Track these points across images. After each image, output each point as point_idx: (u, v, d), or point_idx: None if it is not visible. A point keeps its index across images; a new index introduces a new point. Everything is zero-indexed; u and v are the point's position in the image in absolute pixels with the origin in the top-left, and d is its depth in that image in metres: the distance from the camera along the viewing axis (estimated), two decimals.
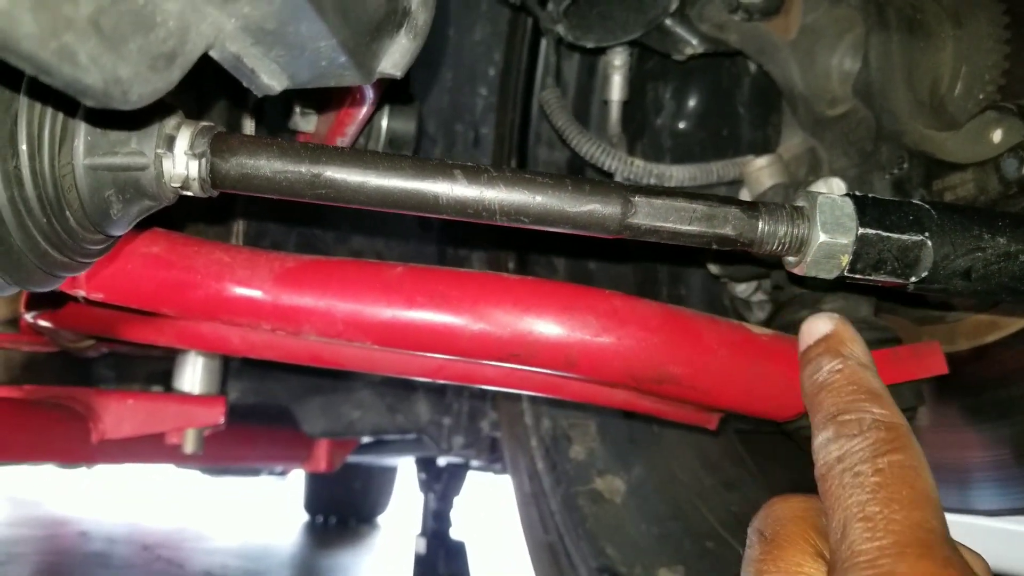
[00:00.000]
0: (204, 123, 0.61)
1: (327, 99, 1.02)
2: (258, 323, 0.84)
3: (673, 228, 0.66)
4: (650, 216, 0.66)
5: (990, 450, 1.08)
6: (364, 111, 0.95)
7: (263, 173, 0.60)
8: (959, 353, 1.11)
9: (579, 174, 1.63)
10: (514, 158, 1.77)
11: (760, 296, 1.30)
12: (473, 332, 0.81)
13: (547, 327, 0.81)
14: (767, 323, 1.24)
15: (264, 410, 1.91)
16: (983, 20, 1.04)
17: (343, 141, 1.01)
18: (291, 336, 0.91)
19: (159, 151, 0.59)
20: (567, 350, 0.80)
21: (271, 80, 0.52)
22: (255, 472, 3.22)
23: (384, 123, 1.13)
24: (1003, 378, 1.07)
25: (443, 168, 0.62)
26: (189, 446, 1.54)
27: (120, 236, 0.65)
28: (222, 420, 1.50)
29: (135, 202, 0.61)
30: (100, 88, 0.41)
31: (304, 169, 0.60)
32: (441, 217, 0.63)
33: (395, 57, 0.61)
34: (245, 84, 0.52)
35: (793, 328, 1.12)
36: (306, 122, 1.10)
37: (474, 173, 0.62)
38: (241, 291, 0.83)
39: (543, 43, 1.56)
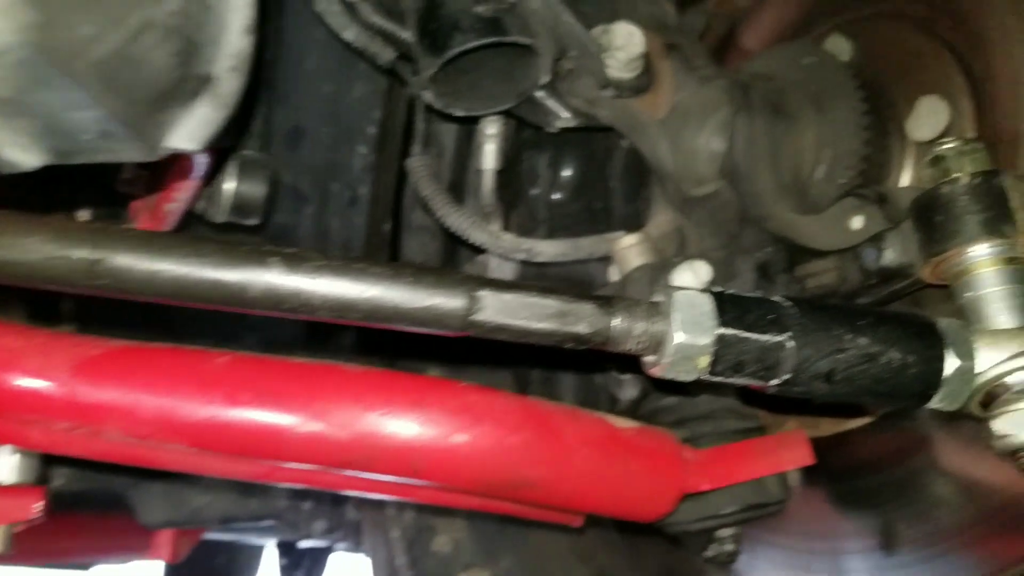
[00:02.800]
0: None
1: (158, 161, 0.91)
2: (50, 421, 0.72)
3: (523, 326, 0.60)
4: (499, 313, 0.59)
5: (859, 539, 1.07)
6: (199, 175, 0.85)
7: (30, 259, 0.50)
8: (823, 439, 1.10)
9: (456, 242, 1.57)
10: (388, 222, 1.69)
11: (631, 374, 1.26)
12: (304, 435, 0.71)
13: (390, 427, 0.72)
14: (638, 403, 1.20)
15: (95, 498, 1.70)
16: (843, 107, 1.06)
17: (175, 208, 0.91)
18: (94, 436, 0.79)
19: None
20: (411, 456, 0.72)
21: (20, 155, 0.42)
22: (85, 566, 2.89)
23: (228, 186, 1.04)
24: (866, 465, 1.06)
25: (255, 255, 0.53)
26: None
27: None
28: (36, 514, 1.32)
29: None
30: None
31: (83, 255, 0.50)
32: (251, 312, 0.55)
33: (190, 128, 0.53)
34: None
35: (658, 415, 1.09)
36: (136, 186, 0.99)
37: (294, 261, 0.54)
38: (29, 383, 0.71)
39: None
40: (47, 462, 1.46)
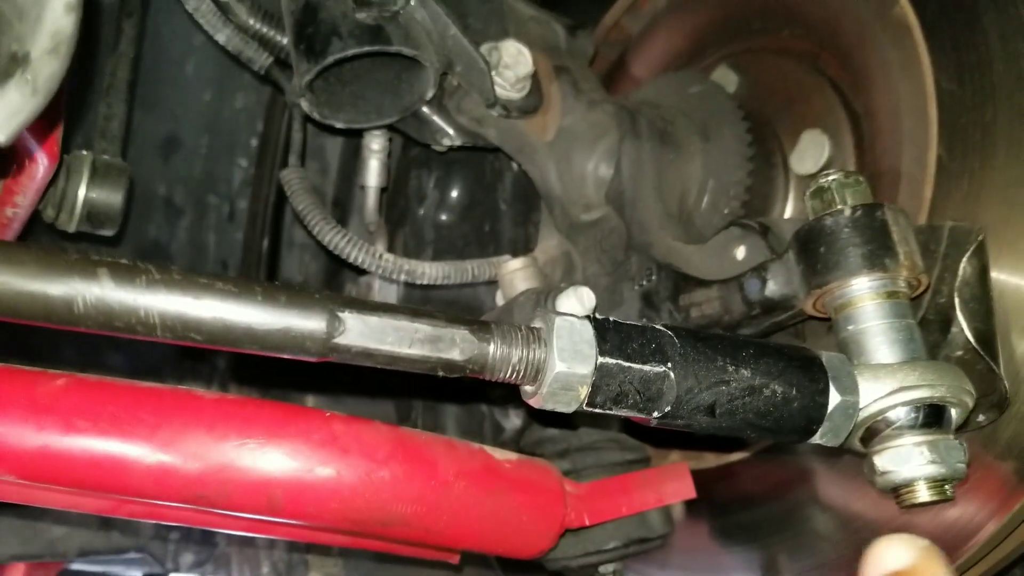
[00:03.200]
0: None
1: None
2: None
3: (390, 352, 0.55)
4: (364, 336, 0.54)
5: (741, 572, 1.06)
6: (39, 176, 0.77)
7: None
8: (707, 471, 1.09)
9: (339, 262, 1.51)
10: (267, 238, 1.61)
11: (514, 404, 1.23)
12: (149, 467, 0.64)
13: (246, 460, 0.66)
14: (522, 432, 1.17)
15: None
16: (729, 137, 1.06)
17: (16, 213, 0.82)
18: None
19: None
20: (270, 490, 0.66)
21: None
22: None
23: (81, 192, 0.95)
24: (749, 498, 1.06)
25: (82, 265, 0.47)
26: None
27: None
28: None
29: None
30: None
31: None
32: (79, 331, 0.48)
33: None
34: None
35: (541, 446, 1.06)
36: None
37: (127, 273, 0.48)
38: None
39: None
40: None
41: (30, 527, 1.58)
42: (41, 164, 0.73)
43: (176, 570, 1.78)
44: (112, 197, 0.95)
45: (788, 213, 1.08)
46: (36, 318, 0.46)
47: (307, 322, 0.53)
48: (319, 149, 1.61)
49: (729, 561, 1.09)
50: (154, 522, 1.69)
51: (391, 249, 1.45)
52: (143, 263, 0.48)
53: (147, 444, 0.65)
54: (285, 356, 0.53)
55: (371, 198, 1.37)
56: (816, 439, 0.70)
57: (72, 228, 0.97)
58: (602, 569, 0.95)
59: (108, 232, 1.01)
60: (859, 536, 0.95)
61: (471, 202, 1.44)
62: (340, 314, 0.54)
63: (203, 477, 0.65)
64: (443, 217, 1.46)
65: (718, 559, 1.10)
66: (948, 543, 0.86)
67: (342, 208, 1.64)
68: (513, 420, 1.26)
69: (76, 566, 2.08)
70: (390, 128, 1.24)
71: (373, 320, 0.55)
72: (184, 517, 0.76)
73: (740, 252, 0.93)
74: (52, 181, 0.84)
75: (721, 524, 1.09)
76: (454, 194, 1.45)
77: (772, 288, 0.82)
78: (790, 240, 0.81)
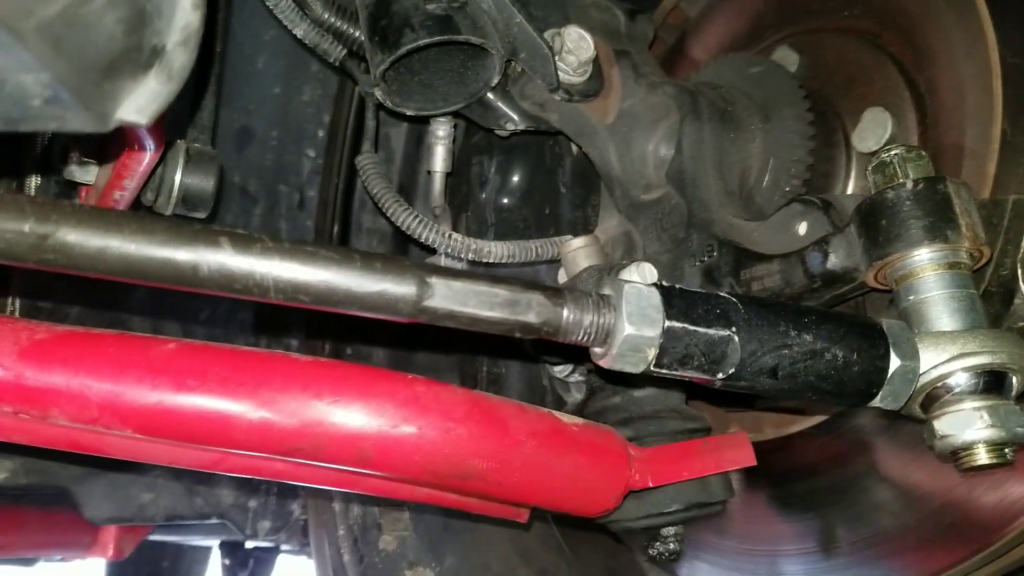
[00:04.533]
0: None
1: (106, 147, 0.90)
2: None
3: (473, 313, 0.60)
4: (448, 300, 0.60)
5: (799, 541, 1.09)
6: (145, 162, 0.84)
7: None
8: (766, 442, 1.12)
9: (404, 246, 1.57)
10: (337, 223, 1.68)
11: (577, 377, 1.27)
12: (252, 422, 0.71)
13: (338, 416, 0.72)
14: (583, 405, 1.21)
15: (39, 493, 1.66)
16: (790, 116, 1.08)
17: (122, 196, 0.90)
18: (42, 420, 0.77)
19: None
20: (360, 444, 0.72)
21: None
22: (29, 562, 2.83)
23: (177, 178, 1.02)
24: (807, 469, 1.08)
25: (206, 234, 0.53)
26: None
27: None
28: None
29: None
30: None
31: (27, 228, 0.49)
32: (202, 292, 0.54)
33: (140, 102, 0.52)
34: None
35: (604, 415, 1.10)
36: (84, 172, 0.97)
37: (244, 242, 0.54)
38: None
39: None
40: None
41: (122, 493, 1.70)
42: (148, 151, 0.80)
43: (254, 536, 1.88)
44: (205, 182, 1.02)
45: (850, 190, 1.08)
46: (166, 281, 0.53)
47: (400, 286, 0.58)
48: (385, 138, 1.67)
49: (787, 530, 1.12)
50: (236, 489, 1.80)
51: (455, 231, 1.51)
52: (257, 233, 0.54)
53: (250, 401, 0.71)
54: (379, 317, 0.59)
55: (437, 183, 1.42)
56: (876, 402, 0.73)
57: (169, 211, 1.04)
58: (663, 532, 0.99)
59: (201, 215, 1.09)
60: (917, 506, 0.97)
61: (531, 186, 1.48)
62: (428, 279, 0.59)
63: (300, 431, 0.71)
64: (504, 201, 1.50)
65: (776, 528, 1.13)
66: (1000, 518, 0.87)
67: (406, 193, 1.70)
68: (574, 394, 1.30)
69: (155, 537, 2.20)
70: (455, 115, 1.29)
71: (457, 285, 0.60)
72: (281, 471, 0.83)
73: (802, 228, 0.95)
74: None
75: (779, 494, 1.12)
76: (515, 178, 1.49)
77: (833, 261, 0.84)
78: (851, 214, 0.83)
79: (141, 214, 0.52)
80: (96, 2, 0.40)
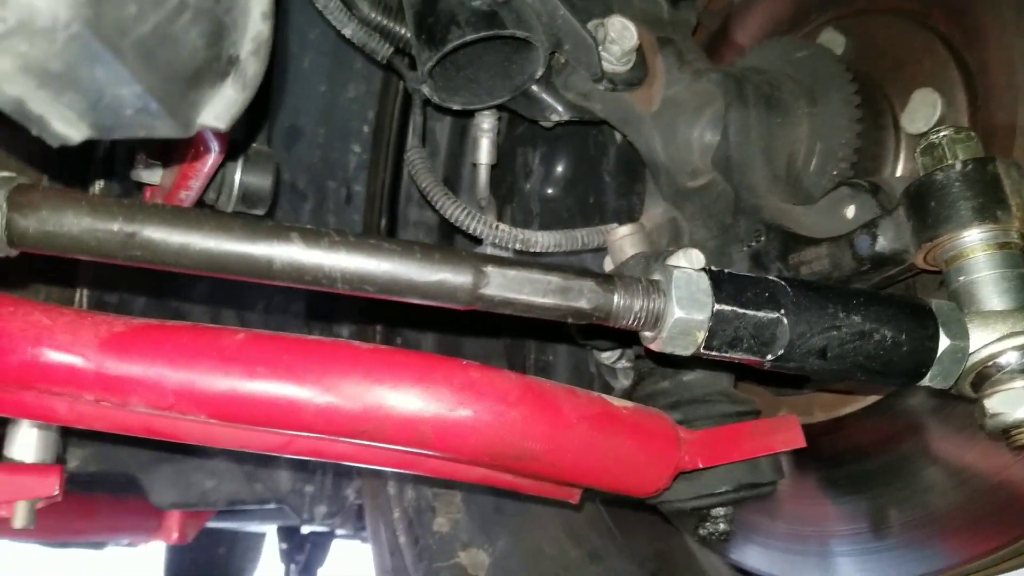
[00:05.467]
0: (2, 173, 0.54)
1: (172, 149, 0.94)
2: (79, 393, 0.75)
3: (527, 300, 0.63)
4: (503, 287, 0.62)
5: (849, 523, 1.09)
6: (210, 163, 0.88)
7: (69, 231, 0.53)
8: (816, 425, 1.12)
9: (450, 237, 1.60)
10: (384, 217, 1.71)
11: (625, 363, 1.29)
12: (318, 406, 0.74)
13: (398, 400, 0.75)
14: (631, 390, 1.23)
15: (108, 479, 1.75)
16: (837, 100, 1.08)
17: (188, 195, 0.94)
18: (120, 407, 0.82)
19: None
20: (420, 426, 0.75)
21: (66, 128, 0.45)
22: (99, 546, 2.96)
23: (237, 177, 1.06)
24: (858, 451, 1.09)
25: (278, 231, 0.56)
26: (19, 520, 1.38)
27: None
28: (57, 491, 1.35)
29: None
30: None
31: (117, 227, 0.53)
32: (275, 284, 0.57)
33: (218, 108, 0.56)
34: (34, 132, 0.45)
35: (653, 399, 1.12)
36: (151, 174, 1.02)
37: (313, 237, 0.57)
38: (60, 357, 0.74)
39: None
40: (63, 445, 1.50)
41: (186, 479, 1.77)
42: (213, 152, 0.84)
43: (310, 521, 1.94)
44: (263, 180, 1.06)
45: (899, 173, 1.08)
46: (242, 274, 0.56)
47: (457, 276, 0.61)
48: (430, 132, 1.71)
49: (837, 512, 1.12)
50: (293, 475, 1.86)
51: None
52: (324, 228, 0.57)
53: (316, 387, 0.75)
54: (439, 304, 0.62)
55: (482, 175, 1.45)
56: (925, 381, 0.74)
57: (229, 208, 1.09)
58: (713, 512, 1.00)
59: (260, 212, 1.13)
60: (969, 486, 0.97)
61: (575, 176, 1.50)
62: (484, 269, 0.62)
63: (364, 414, 0.75)
64: (549, 191, 1.52)
65: (826, 510, 1.13)
66: None
67: (451, 186, 1.73)
68: (621, 381, 1.32)
69: (212, 524, 2.28)
70: (500, 107, 1.31)
71: (512, 273, 0.63)
72: (344, 453, 0.86)
73: (850, 211, 0.96)
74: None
75: (829, 476, 1.13)
76: (559, 169, 1.51)
77: (882, 243, 0.84)
78: (900, 196, 0.83)
79: (217, 212, 0.55)
80: (183, 18, 0.43)
